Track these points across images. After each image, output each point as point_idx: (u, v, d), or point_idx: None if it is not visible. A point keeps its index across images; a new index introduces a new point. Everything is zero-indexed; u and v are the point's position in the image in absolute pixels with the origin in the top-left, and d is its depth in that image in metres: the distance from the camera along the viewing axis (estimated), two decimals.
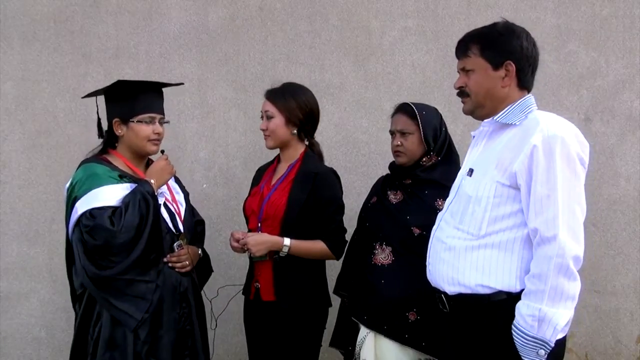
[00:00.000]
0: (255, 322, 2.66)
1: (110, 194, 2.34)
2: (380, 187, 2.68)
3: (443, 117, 2.66)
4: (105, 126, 2.53)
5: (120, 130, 2.46)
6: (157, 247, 2.38)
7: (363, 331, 2.52)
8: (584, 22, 3.48)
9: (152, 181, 2.41)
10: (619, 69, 3.49)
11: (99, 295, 2.32)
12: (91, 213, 2.31)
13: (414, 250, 2.42)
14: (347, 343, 2.66)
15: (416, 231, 2.45)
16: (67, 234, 2.44)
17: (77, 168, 2.46)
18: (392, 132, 2.62)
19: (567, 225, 1.82)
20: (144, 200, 2.33)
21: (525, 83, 2.03)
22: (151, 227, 2.34)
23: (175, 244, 2.47)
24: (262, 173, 2.77)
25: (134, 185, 2.38)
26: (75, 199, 2.35)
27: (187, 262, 2.48)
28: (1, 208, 3.34)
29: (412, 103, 2.60)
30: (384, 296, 2.47)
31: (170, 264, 2.43)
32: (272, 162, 2.79)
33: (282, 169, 2.68)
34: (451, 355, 2.10)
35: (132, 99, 2.44)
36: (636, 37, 3.49)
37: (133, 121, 2.43)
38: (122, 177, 2.41)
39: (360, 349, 2.51)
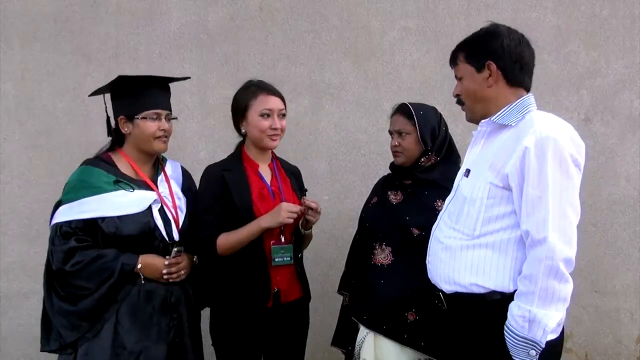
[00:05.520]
0: (274, 328, 2.55)
1: (96, 205, 2.27)
2: (381, 187, 2.68)
3: (443, 117, 2.67)
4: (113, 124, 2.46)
5: (126, 128, 2.37)
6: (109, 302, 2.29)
7: (363, 331, 2.52)
8: (584, 22, 3.48)
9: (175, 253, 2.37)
10: (619, 69, 3.49)
11: (47, 289, 2.31)
12: (61, 228, 2.29)
13: (414, 251, 2.42)
14: (348, 342, 2.66)
15: (415, 232, 2.45)
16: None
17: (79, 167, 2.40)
18: (390, 133, 2.63)
19: (557, 228, 1.82)
20: (109, 272, 2.25)
21: (514, 81, 2.01)
22: (102, 296, 2.26)
23: (175, 249, 2.37)
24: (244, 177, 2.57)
25: (129, 192, 2.31)
26: (61, 203, 2.32)
27: (182, 272, 2.38)
28: (1, 208, 3.34)
29: (410, 103, 2.60)
30: (383, 296, 2.47)
31: (165, 271, 2.33)
32: (238, 165, 2.57)
33: (265, 167, 2.60)
34: (449, 352, 2.12)
35: (136, 95, 2.36)
36: (636, 37, 3.49)
37: (138, 118, 2.35)
38: (118, 181, 2.32)
39: (359, 349, 2.51)
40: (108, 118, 2.43)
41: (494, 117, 2.01)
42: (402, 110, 2.60)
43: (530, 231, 1.84)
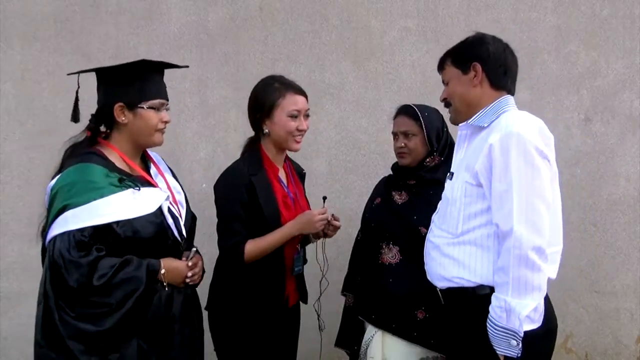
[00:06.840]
0: (286, 330, 2.57)
1: (109, 208, 1.99)
2: (384, 188, 2.69)
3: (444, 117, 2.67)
4: (83, 109, 2.25)
5: (123, 117, 2.11)
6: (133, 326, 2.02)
7: (371, 330, 2.53)
8: (584, 22, 3.48)
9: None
10: (619, 69, 3.49)
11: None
12: (74, 237, 1.95)
13: (422, 250, 2.42)
14: (352, 343, 2.67)
15: (423, 231, 2.43)
16: (42, 244, 2.05)
17: (68, 165, 2.11)
18: (394, 134, 2.62)
19: (524, 218, 1.87)
20: (136, 282, 1.99)
21: (498, 84, 2.09)
22: (128, 311, 1.98)
23: (193, 249, 2.20)
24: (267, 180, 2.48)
25: (137, 190, 2.06)
26: (66, 208, 1.99)
27: (200, 273, 2.22)
28: (1, 208, 3.34)
29: (413, 104, 2.61)
30: (392, 295, 2.48)
31: (190, 274, 2.15)
32: (262, 169, 2.47)
33: (281, 171, 2.55)
34: (451, 346, 2.17)
35: (142, 81, 2.11)
36: (636, 37, 3.49)
37: (143, 107, 2.10)
38: (122, 179, 2.06)
39: (367, 348, 2.52)
40: (77, 100, 2.22)
41: (471, 120, 2.08)
42: (406, 111, 2.60)
43: (499, 224, 1.91)
